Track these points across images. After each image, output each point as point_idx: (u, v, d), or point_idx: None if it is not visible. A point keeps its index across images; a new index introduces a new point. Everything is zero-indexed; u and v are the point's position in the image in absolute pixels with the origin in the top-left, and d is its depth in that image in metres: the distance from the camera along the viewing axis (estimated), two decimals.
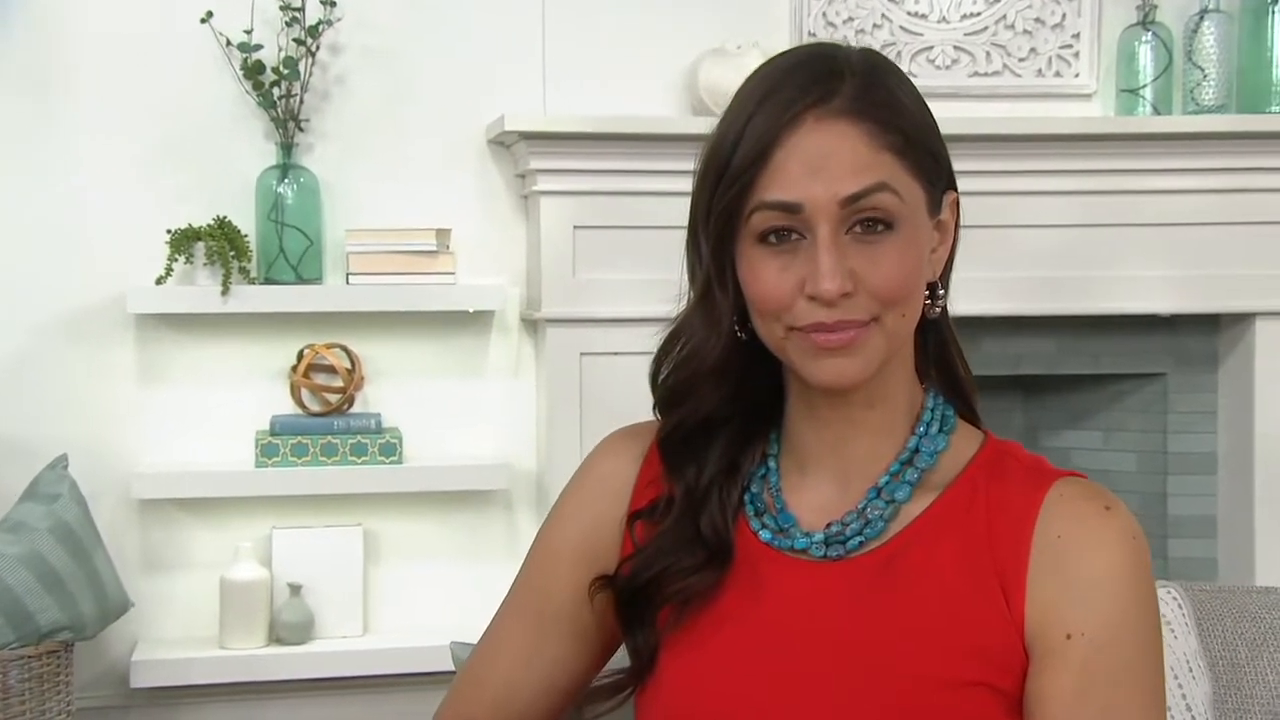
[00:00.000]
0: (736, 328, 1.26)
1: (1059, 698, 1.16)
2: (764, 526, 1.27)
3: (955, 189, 1.27)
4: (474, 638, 3.23)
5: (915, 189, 1.21)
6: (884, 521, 1.24)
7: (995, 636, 1.18)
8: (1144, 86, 3.30)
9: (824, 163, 1.18)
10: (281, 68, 3.06)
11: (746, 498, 1.29)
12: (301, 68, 3.07)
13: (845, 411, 1.25)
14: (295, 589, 3.07)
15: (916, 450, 1.26)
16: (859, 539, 1.24)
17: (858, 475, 1.26)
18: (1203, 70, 3.30)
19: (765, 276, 1.20)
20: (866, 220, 1.19)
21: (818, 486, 1.27)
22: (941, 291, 1.27)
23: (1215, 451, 3.42)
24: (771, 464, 1.29)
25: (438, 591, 3.19)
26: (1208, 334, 3.43)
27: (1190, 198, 3.26)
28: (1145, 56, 3.31)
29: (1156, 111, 3.30)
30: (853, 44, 1.28)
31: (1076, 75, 3.37)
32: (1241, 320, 3.34)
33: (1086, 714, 1.16)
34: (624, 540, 1.31)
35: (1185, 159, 3.25)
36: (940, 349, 1.30)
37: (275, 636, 3.08)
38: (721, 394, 1.28)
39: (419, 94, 3.18)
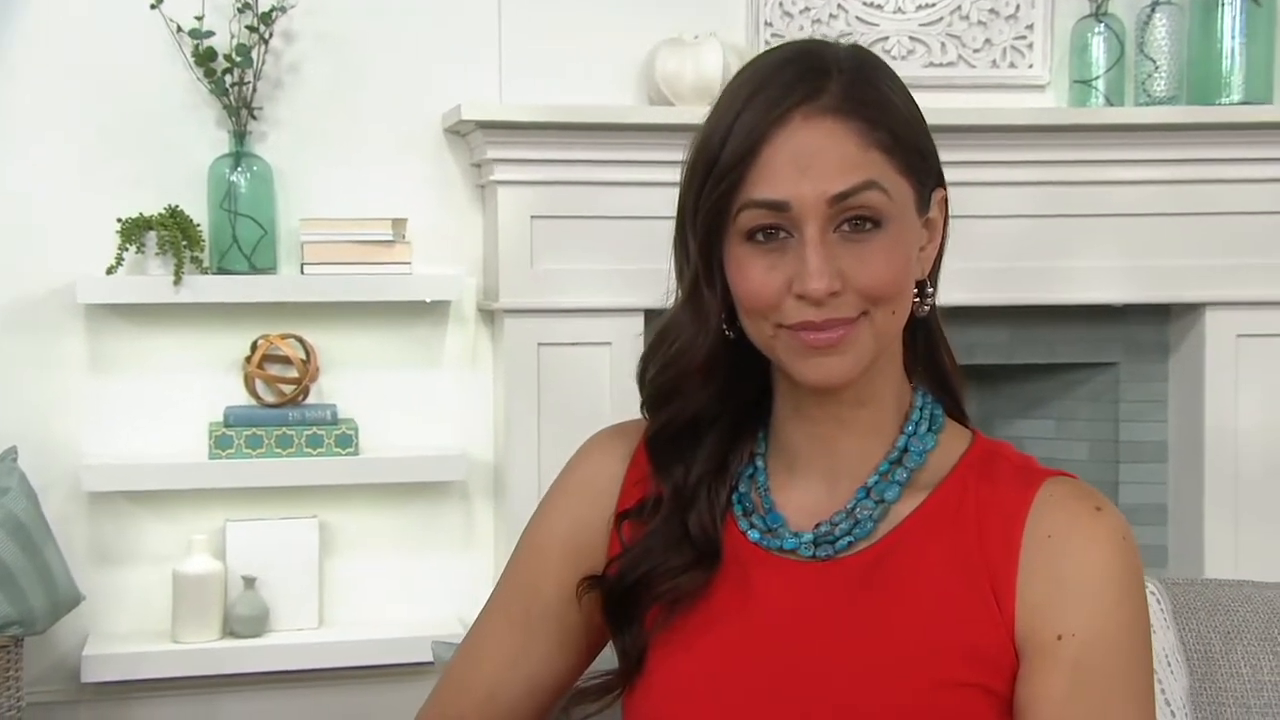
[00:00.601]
0: (724, 326, 1.25)
1: (1050, 699, 1.16)
2: (752, 526, 1.26)
3: (944, 186, 1.27)
4: (431, 630, 3.24)
5: (904, 187, 1.21)
6: (873, 521, 1.23)
7: (986, 637, 1.18)
8: (1096, 78, 3.33)
9: (812, 161, 1.17)
10: (234, 55, 3.02)
11: (735, 497, 1.28)
12: (254, 55, 3.03)
13: (834, 410, 1.25)
14: (250, 582, 3.04)
15: (905, 450, 1.25)
16: (848, 539, 1.23)
17: (846, 475, 1.26)
18: (1154, 62, 3.33)
19: (753, 275, 1.20)
20: (854, 219, 1.18)
21: (806, 486, 1.27)
22: (930, 290, 1.27)
23: (1165, 440, 3.46)
24: (759, 463, 1.29)
25: (394, 583, 3.17)
26: (1158, 324, 3.46)
27: (1142, 189, 3.28)
28: (1098, 48, 3.33)
29: (1109, 103, 3.32)
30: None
31: (1030, 66, 3.38)
32: (1192, 310, 3.37)
33: (1077, 715, 1.15)
34: (611, 540, 1.30)
35: (1137, 150, 3.27)
36: (929, 347, 1.30)
37: (229, 630, 3.04)
38: (709, 393, 1.28)
39: (374, 82, 3.15)
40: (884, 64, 1.25)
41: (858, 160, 1.18)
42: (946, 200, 1.27)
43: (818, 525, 1.24)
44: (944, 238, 1.28)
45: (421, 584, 3.18)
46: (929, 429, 1.27)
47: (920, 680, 1.17)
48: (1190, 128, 3.26)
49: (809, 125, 1.17)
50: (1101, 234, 3.28)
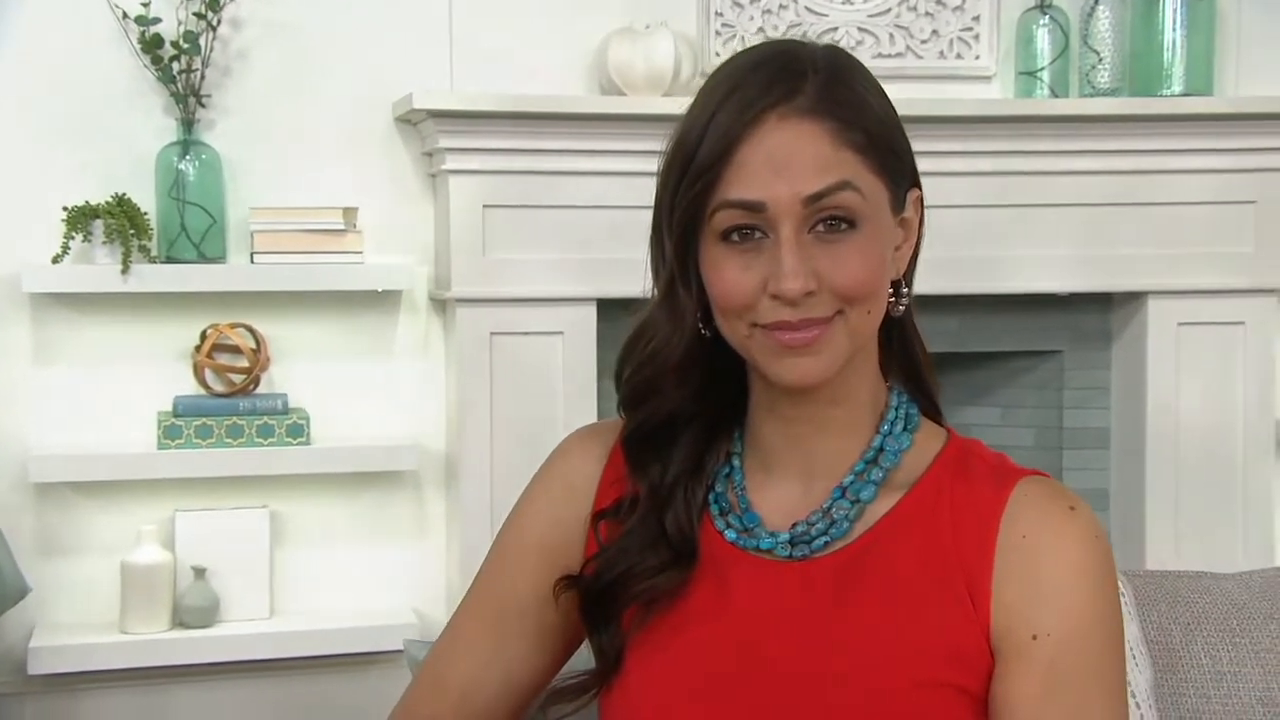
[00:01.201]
0: (700, 325, 1.25)
1: (1025, 698, 1.17)
2: (729, 526, 1.27)
3: (919, 186, 1.28)
4: (383, 620, 3.21)
5: (878, 187, 1.21)
6: (849, 521, 1.24)
7: (962, 637, 1.19)
8: (1042, 69, 3.36)
9: (786, 161, 1.18)
10: (181, 42, 2.99)
11: (711, 497, 1.29)
12: (202, 42, 3.00)
13: (809, 410, 1.26)
14: (200, 572, 3.02)
15: (881, 449, 1.26)
16: (824, 539, 1.24)
17: (822, 474, 1.26)
18: (1098, 54, 3.37)
19: (728, 275, 1.20)
20: (829, 219, 1.19)
21: (782, 486, 1.27)
22: (905, 289, 1.28)
23: (1108, 427, 3.51)
24: (736, 463, 1.29)
25: (346, 574, 3.16)
26: (1102, 313, 3.50)
27: (1085, 179, 3.32)
28: (1043, 39, 3.36)
29: (1054, 94, 3.35)
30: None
31: (977, 57, 3.41)
32: (1134, 299, 3.41)
33: (1052, 715, 1.17)
34: (588, 539, 1.30)
35: (1081, 141, 3.30)
36: (904, 347, 1.31)
37: (179, 621, 3.02)
38: (685, 392, 1.28)
39: (324, 70, 3.12)
40: (860, 64, 1.26)
41: (832, 161, 1.18)
42: (922, 200, 1.28)
43: (794, 525, 1.25)
44: (919, 237, 1.29)
45: (373, 574, 3.17)
46: (904, 428, 1.28)
47: (896, 680, 1.18)
48: (1133, 119, 3.30)
49: (784, 126, 1.18)
50: (1046, 224, 3.31)
